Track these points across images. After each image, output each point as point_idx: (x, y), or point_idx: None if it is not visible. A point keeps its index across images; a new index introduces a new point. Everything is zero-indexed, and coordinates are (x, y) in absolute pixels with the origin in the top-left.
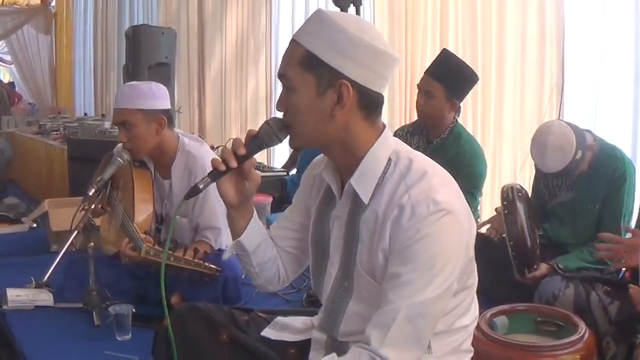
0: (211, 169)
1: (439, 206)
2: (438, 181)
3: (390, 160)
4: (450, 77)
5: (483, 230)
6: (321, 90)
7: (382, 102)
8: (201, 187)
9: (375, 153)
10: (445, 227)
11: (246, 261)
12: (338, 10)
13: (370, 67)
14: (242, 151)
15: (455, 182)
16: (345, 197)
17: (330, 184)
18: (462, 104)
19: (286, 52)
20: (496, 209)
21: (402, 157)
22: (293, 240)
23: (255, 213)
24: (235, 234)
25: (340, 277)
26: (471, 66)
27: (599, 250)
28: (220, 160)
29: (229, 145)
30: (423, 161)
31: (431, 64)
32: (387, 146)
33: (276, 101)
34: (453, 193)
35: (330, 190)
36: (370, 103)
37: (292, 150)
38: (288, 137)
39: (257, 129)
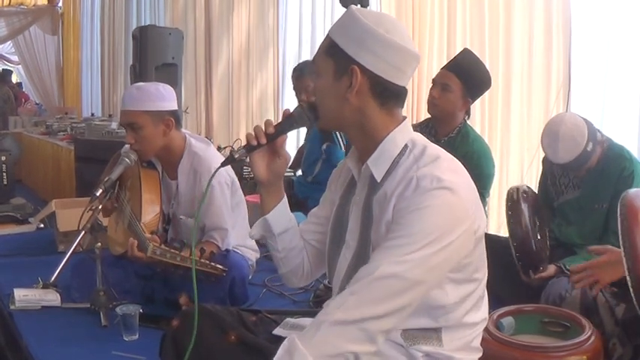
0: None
1: (442, 183)
2: (448, 166)
3: (406, 146)
4: (469, 74)
5: (494, 218)
6: (338, 75)
7: (401, 94)
8: (236, 156)
9: (394, 137)
10: (445, 204)
11: (272, 244)
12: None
13: (384, 57)
14: (270, 130)
15: (467, 173)
16: (362, 180)
17: (352, 172)
18: (471, 106)
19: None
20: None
21: (418, 144)
22: (317, 234)
23: (285, 198)
24: (263, 213)
25: (356, 260)
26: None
27: (574, 283)
28: (253, 135)
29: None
30: (437, 149)
31: (450, 60)
32: (406, 133)
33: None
34: (461, 178)
35: (353, 179)
36: (385, 92)
37: (297, 151)
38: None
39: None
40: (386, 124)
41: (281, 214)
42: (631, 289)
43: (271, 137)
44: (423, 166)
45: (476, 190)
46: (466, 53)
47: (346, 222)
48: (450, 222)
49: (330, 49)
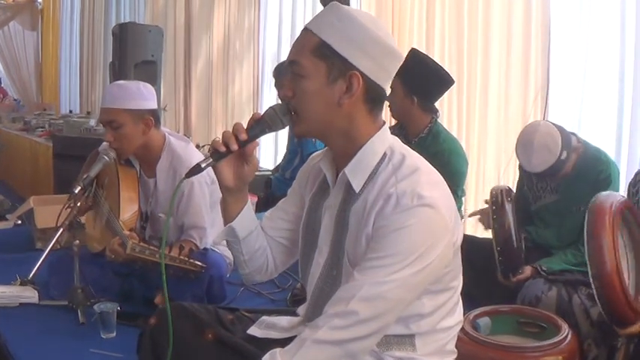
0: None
1: (423, 200)
2: (428, 179)
3: (385, 154)
4: (407, 72)
5: (470, 220)
6: (332, 78)
7: (385, 97)
8: (203, 165)
9: (373, 145)
10: (427, 221)
11: (237, 248)
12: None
13: (380, 62)
14: (243, 136)
15: (445, 184)
16: (338, 186)
17: (325, 175)
18: (443, 106)
19: (298, 40)
20: (485, 201)
21: (396, 152)
22: (285, 231)
23: (249, 202)
24: (228, 219)
25: (329, 266)
26: (446, 68)
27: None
28: (221, 141)
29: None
30: (416, 158)
31: None
32: (385, 141)
33: (283, 88)
34: (440, 192)
35: (325, 181)
36: (376, 97)
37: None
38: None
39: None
40: (369, 130)
41: (246, 219)
42: (595, 295)
43: (243, 144)
44: (402, 179)
45: (453, 199)
46: (410, 53)
47: (318, 226)
48: (431, 239)
49: (321, 50)
